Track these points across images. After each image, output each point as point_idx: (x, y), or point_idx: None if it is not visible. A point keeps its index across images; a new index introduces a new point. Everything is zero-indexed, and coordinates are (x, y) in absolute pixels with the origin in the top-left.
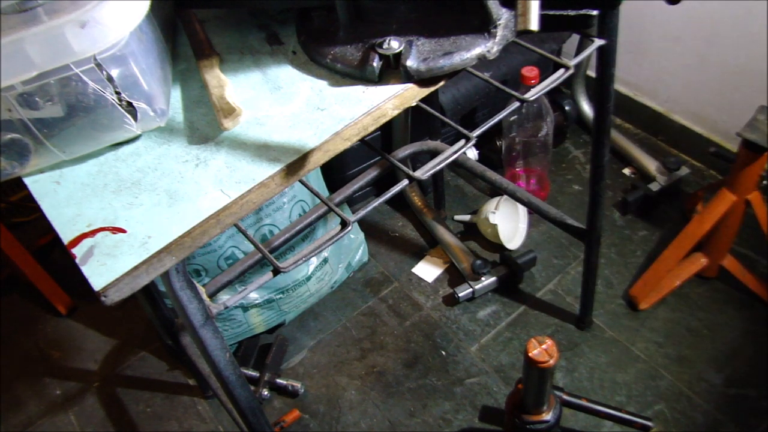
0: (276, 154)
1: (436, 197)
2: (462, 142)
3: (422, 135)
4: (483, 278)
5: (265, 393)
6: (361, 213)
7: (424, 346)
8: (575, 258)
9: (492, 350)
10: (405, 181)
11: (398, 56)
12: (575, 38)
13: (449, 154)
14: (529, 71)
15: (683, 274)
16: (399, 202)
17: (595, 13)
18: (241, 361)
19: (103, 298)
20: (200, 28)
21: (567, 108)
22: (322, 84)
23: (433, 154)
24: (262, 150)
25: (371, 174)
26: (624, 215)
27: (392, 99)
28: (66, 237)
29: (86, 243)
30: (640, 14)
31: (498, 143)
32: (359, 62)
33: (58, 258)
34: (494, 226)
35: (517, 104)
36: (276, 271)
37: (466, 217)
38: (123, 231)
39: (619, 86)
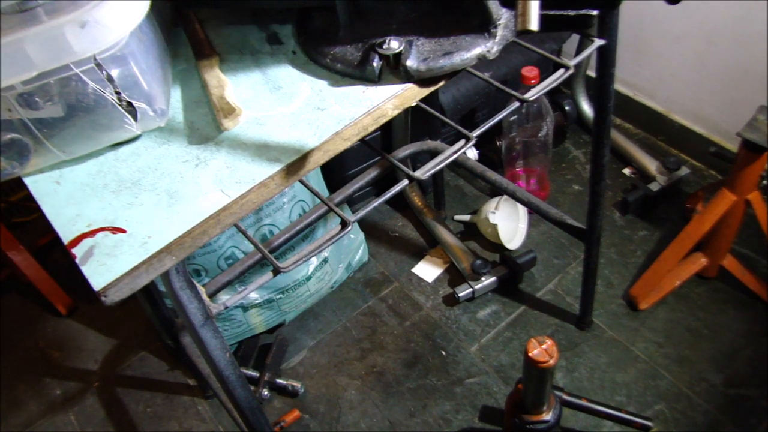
0: (276, 154)
1: (436, 197)
2: (462, 142)
3: (422, 135)
4: (483, 278)
5: (265, 393)
6: (361, 213)
7: (424, 346)
8: (575, 258)
9: (492, 350)
10: (405, 181)
11: (398, 56)
12: (575, 38)
13: (449, 154)
14: (529, 71)
15: (683, 274)
16: (399, 202)
17: (595, 13)
18: (241, 361)
19: (103, 298)
20: (200, 28)
21: (567, 108)
22: (322, 84)
23: (433, 154)
24: (262, 150)
25: (371, 174)
26: (624, 215)
27: (392, 99)
28: (66, 237)
29: (86, 243)
30: (640, 14)
31: (498, 143)
32: (359, 62)
33: (58, 258)
34: (494, 226)
35: (517, 104)
36: (276, 271)
37: (466, 217)
38: (123, 231)
39: (619, 86)
